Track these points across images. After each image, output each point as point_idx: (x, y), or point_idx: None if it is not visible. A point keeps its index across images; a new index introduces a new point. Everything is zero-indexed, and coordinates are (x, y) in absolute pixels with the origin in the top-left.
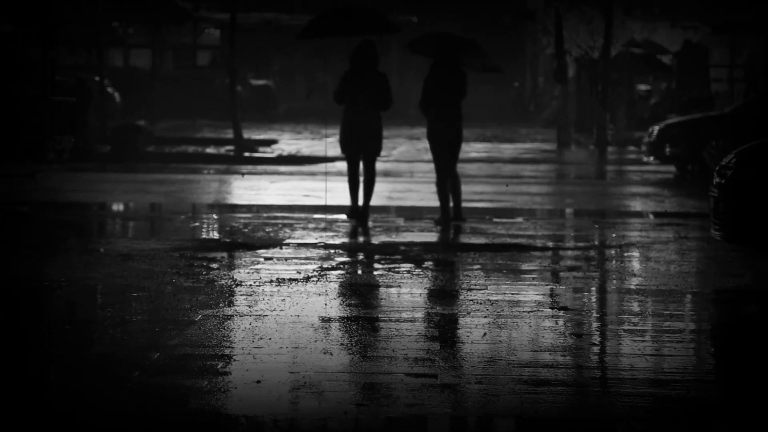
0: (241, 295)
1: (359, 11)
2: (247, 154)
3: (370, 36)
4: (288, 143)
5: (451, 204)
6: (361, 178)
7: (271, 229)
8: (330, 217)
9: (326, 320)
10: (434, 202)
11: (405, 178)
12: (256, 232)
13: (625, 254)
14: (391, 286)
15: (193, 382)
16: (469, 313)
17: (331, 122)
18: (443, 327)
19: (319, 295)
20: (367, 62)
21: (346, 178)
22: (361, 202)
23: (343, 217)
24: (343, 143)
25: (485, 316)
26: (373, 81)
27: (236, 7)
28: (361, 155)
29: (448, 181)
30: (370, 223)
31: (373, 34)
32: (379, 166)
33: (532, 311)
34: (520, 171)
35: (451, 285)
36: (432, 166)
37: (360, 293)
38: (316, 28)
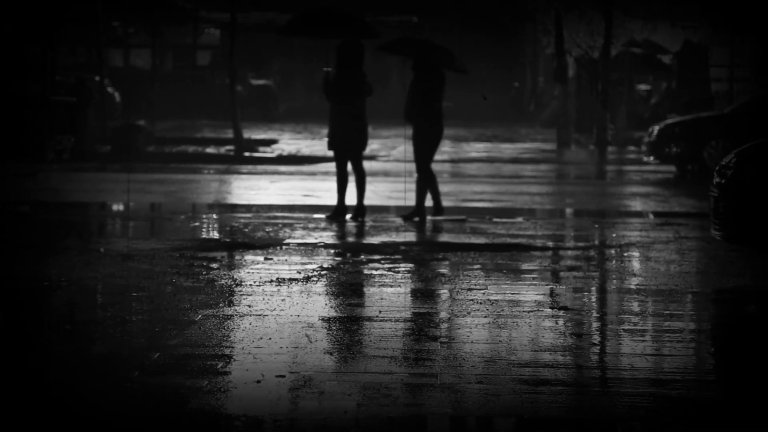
0: (241, 295)
1: (340, 14)
2: (247, 153)
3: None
4: (288, 143)
5: (429, 202)
6: (352, 178)
7: (271, 229)
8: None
9: (326, 320)
10: (428, 202)
11: (405, 178)
12: (256, 232)
13: (625, 254)
14: (391, 286)
15: (193, 382)
16: (469, 313)
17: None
18: (443, 327)
19: (319, 295)
20: (352, 61)
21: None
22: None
23: (345, 216)
24: (331, 142)
25: (485, 316)
26: (356, 80)
27: (236, 7)
28: (347, 154)
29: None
30: (370, 223)
31: (353, 38)
32: (379, 166)
33: (532, 311)
34: (520, 171)
35: (451, 285)
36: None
37: (360, 293)
38: (298, 26)
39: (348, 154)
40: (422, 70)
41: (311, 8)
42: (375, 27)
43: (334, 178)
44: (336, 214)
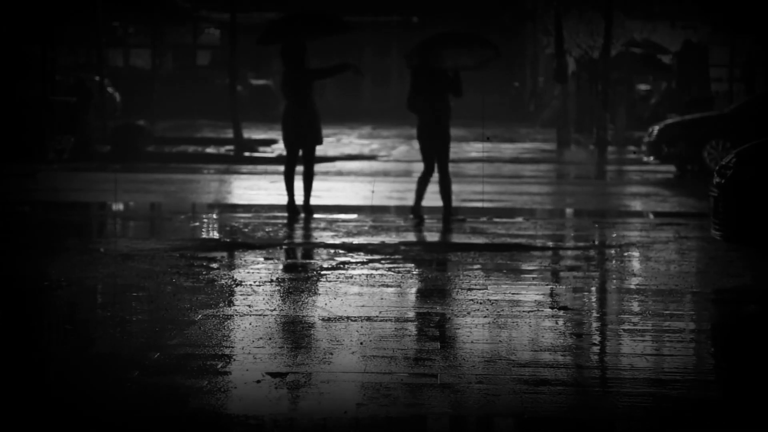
0: (241, 295)
1: (315, 15)
2: (247, 153)
3: (326, 37)
4: None
5: (442, 204)
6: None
7: (271, 229)
8: (330, 216)
9: (326, 320)
10: (435, 201)
11: (405, 178)
12: (256, 232)
13: (625, 254)
14: (391, 286)
15: (193, 381)
16: (469, 313)
17: (336, 122)
18: (443, 327)
19: (319, 294)
20: (295, 60)
21: (345, 178)
22: (301, 197)
23: (343, 216)
24: (286, 139)
25: (485, 316)
26: (303, 77)
27: (236, 7)
28: (301, 149)
29: (430, 179)
30: (369, 222)
31: (330, 36)
32: (379, 165)
33: (532, 311)
34: (520, 171)
35: (451, 285)
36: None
37: (360, 293)
38: (275, 33)
39: (303, 149)
40: (423, 71)
41: (284, 15)
42: (348, 23)
43: (334, 178)
44: (291, 209)
